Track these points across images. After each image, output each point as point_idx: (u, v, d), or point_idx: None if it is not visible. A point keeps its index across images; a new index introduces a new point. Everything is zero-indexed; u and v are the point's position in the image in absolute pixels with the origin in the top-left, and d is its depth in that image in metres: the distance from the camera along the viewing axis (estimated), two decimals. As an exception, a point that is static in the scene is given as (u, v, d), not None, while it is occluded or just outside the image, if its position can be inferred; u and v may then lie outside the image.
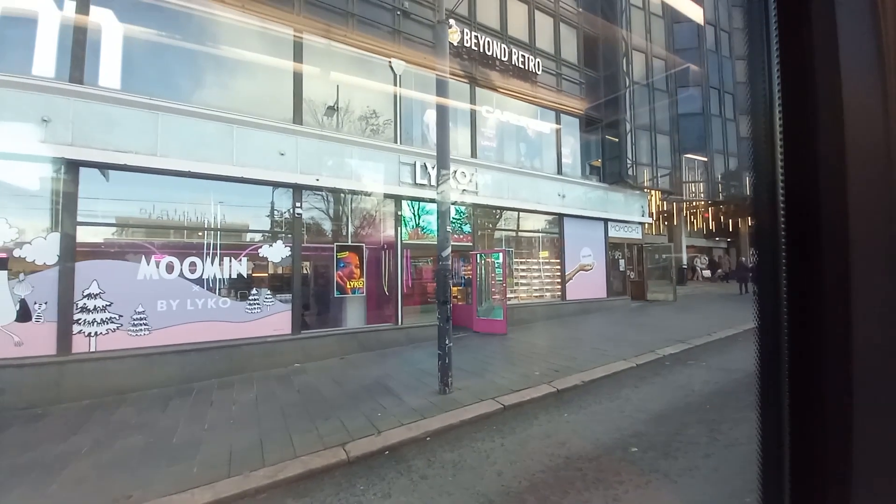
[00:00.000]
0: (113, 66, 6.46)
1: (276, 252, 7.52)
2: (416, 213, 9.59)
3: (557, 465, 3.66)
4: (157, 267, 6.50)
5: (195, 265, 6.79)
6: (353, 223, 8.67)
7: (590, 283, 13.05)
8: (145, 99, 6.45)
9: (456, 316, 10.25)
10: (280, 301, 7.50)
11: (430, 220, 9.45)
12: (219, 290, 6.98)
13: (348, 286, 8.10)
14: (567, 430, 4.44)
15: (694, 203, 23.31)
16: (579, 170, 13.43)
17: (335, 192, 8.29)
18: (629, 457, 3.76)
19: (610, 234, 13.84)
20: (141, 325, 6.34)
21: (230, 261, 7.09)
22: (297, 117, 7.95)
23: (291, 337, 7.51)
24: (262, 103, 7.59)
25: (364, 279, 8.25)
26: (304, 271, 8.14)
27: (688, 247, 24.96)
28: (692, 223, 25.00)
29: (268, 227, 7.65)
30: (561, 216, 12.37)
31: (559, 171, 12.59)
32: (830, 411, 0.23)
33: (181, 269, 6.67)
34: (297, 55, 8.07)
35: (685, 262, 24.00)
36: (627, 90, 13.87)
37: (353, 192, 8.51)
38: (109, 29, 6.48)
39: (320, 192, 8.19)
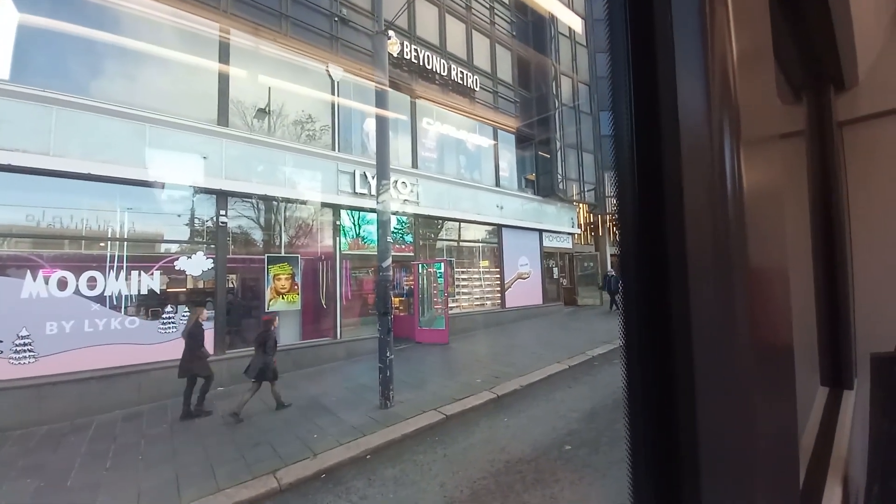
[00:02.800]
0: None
1: (196, 264, 6.83)
2: (356, 223, 9.34)
3: (498, 471, 3.72)
4: (47, 283, 5.56)
5: (95, 280, 5.92)
6: (288, 233, 8.20)
7: (527, 290, 13.64)
8: (38, 91, 5.58)
9: (398, 327, 10.05)
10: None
11: (371, 230, 9.26)
12: (125, 308, 6.15)
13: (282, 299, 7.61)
14: (507, 435, 4.54)
15: (615, 215, 25.62)
16: (516, 183, 14.10)
17: (267, 199, 7.80)
18: (564, 455, 3.94)
19: (544, 244, 14.65)
20: (24, 351, 5.36)
21: (140, 275, 6.29)
22: (223, 119, 7.39)
23: (214, 358, 6.80)
24: (181, 102, 6.94)
25: (300, 292, 7.80)
26: (230, 285, 7.50)
27: (611, 255, 27.25)
28: (614, 234, 27.44)
29: (186, 237, 6.94)
30: (500, 227, 12.84)
31: (497, 184, 13.10)
32: (680, 409, 0.26)
33: (77, 286, 5.77)
34: (224, 53, 7.54)
35: (609, 269, 26.12)
36: (557, 111, 14.95)
37: (288, 201, 8.07)
38: (-14, 5, 5.54)
39: (250, 200, 7.65)
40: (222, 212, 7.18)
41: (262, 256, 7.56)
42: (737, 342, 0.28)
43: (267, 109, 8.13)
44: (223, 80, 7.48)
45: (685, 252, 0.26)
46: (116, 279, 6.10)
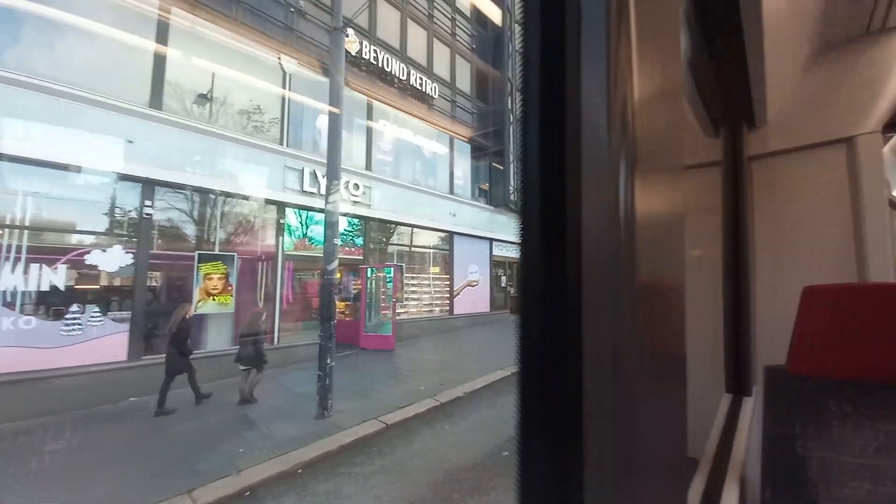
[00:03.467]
0: None
1: (113, 259, 6.10)
2: (303, 223, 8.94)
3: (437, 480, 3.67)
4: (-88, 274, 4.68)
5: (-19, 273, 5.08)
6: (226, 229, 7.63)
7: (476, 298, 13.85)
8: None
9: (342, 332, 9.72)
10: (113, 320, 6.06)
11: (320, 231, 8.90)
12: (20, 306, 5.33)
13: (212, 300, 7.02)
14: (448, 443, 4.52)
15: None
16: (469, 192, 14.34)
17: (202, 192, 7.21)
18: (502, 461, 3.99)
19: (494, 253, 15.01)
20: None
21: (40, 269, 5.50)
22: (156, 100, 6.75)
23: (128, 364, 6.11)
24: (107, 77, 6.23)
25: (233, 293, 7.25)
26: (153, 283, 6.81)
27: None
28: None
29: (103, 228, 6.20)
30: (452, 234, 12.95)
31: (451, 192, 13.24)
32: (566, 412, 0.26)
33: (-45, 278, 4.92)
34: (162, 31, 6.92)
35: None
36: (511, 125, 15.50)
37: (227, 195, 7.53)
38: None
39: (183, 191, 7.02)
40: (148, 202, 6.52)
41: (193, 253, 6.95)
42: (627, 353, 0.28)
43: (209, 95, 7.56)
44: (159, 59, 6.85)
45: (581, 269, 0.26)
46: (12, 272, 5.28)
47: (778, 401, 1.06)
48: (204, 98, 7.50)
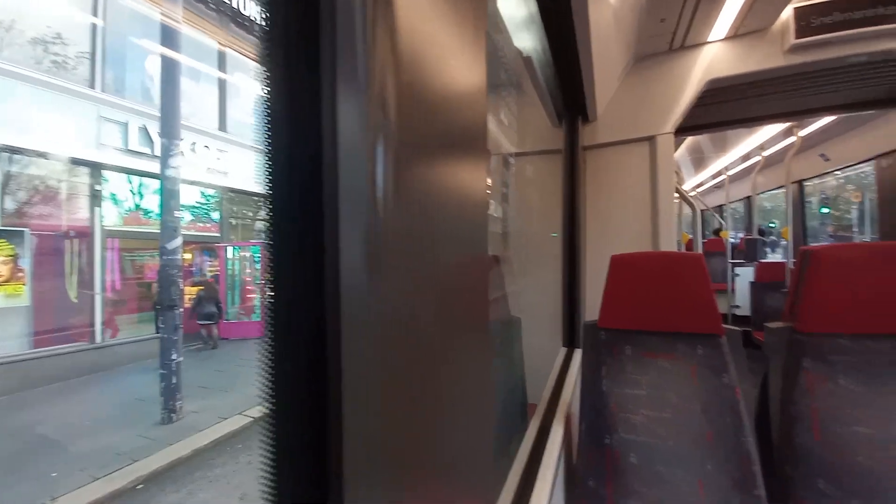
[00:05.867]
0: None
1: None
2: (136, 192, 7.24)
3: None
4: None
5: None
6: (13, 196, 5.69)
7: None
8: None
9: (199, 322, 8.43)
10: None
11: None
12: None
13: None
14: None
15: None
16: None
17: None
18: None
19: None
20: None
21: None
22: None
23: None
24: None
25: (27, 281, 5.50)
26: None
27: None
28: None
29: None
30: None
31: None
32: (332, 413, 0.24)
33: None
34: None
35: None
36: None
37: (12, 150, 5.56)
38: None
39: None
40: None
41: (-48, 229, 5.01)
42: (397, 336, 0.27)
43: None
44: None
45: (339, 247, 0.24)
46: None
47: (591, 350, 1.29)
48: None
